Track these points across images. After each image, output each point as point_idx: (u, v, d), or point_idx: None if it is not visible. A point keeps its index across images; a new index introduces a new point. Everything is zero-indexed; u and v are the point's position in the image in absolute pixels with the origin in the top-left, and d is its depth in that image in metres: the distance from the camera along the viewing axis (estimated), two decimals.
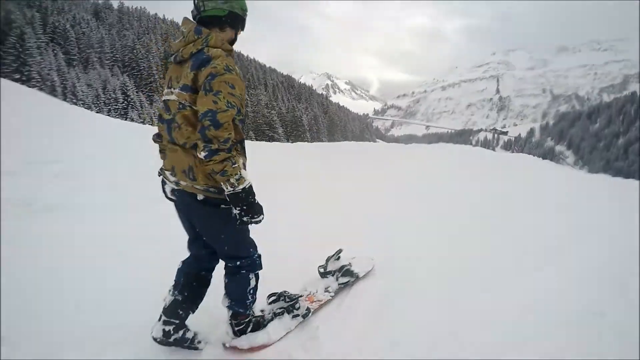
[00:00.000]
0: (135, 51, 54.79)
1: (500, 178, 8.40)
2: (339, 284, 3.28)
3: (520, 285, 3.54)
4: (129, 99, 47.01)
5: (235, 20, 2.32)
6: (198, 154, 2.07)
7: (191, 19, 2.29)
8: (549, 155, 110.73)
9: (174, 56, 2.27)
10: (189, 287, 2.53)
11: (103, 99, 45.65)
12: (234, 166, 2.09)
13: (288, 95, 72.57)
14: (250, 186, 2.20)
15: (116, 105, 46.43)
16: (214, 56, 2.10)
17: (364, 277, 3.52)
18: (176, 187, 2.28)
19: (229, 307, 2.59)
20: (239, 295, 2.55)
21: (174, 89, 2.22)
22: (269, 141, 39.83)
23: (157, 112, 2.47)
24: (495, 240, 4.65)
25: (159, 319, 2.51)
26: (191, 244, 2.60)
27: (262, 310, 2.85)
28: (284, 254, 3.71)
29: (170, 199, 2.41)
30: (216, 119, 2.00)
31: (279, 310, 2.83)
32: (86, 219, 5.09)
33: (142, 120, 43.00)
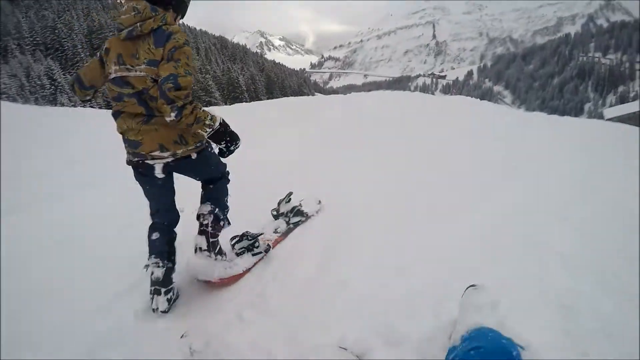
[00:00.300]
0: (57, 31, 49.57)
1: (438, 118, 8.44)
2: (292, 224, 3.62)
3: (464, 219, 3.53)
4: (56, 83, 43.12)
5: (180, 6, 2.48)
6: (167, 118, 2.20)
7: None
8: (488, 95, 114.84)
9: (126, 31, 2.27)
10: (174, 251, 2.74)
11: (28, 87, 41.73)
12: (202, 110, 2.31)
13: (222, 57, 69.58)
14: (223, 119, 2.47)
15: (43, 92, 42.46)
16: (174, 31, 2.27)
17: (312, 219, 3.80)
18: (172, 159, 2.45)
19: (211, 211, 2.75)
20: (219, 200, 2.86)
21: (136, 65, 2.28)
22: (206, 106, 38.67)
23: (109, 90, 2.42)
24: (436, 177, 4.68)
25: (159, 294, 2.59)
26: (167, 212, 2.75)
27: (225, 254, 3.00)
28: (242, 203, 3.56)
29: (149, 169, 2.50)
30: (177, 81, 2.13)
31: (240, 250, 3.05)
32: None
33: (73, 103, 39.77)
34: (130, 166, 2.58)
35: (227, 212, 2.95)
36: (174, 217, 2.81)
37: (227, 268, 2.86)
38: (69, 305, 2.78)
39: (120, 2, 2.45)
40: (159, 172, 2.49)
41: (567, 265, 2.70)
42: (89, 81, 2.49)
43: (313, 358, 2.06)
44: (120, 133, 2.48)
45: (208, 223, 2.73)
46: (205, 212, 2.75)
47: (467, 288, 2.10)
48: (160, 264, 2.60)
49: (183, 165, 2.52)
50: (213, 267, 2.80)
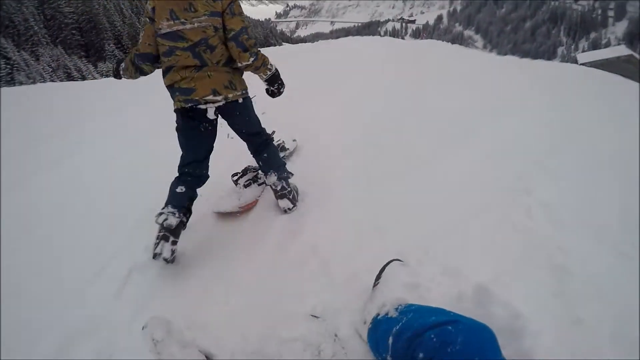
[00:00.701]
0: (4, 7, 45.39)
1: (411, 63, 8.18)
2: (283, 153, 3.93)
3: (440, 170, 3.37)
4: (11, 62, 39.70)
5: None
6: (241, 63, 2.60)
7: None
8: (458, 40, 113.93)
9: None
10: (190, 211, 2.80)
11: None
12: (265, 57, 2.67)
13: None
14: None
15: None
16: None
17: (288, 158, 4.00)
18: (224, 102, 2.65)
19: (279, 178, 2.98)
20: (279, 162, 3.06)
21: (192, 18, 2.47)
22: None
23: (160, 45, 2.58)
24: (409, 123, 4.53)
25: (167, 240, 2.55)
26: (200, 165, 2.83)
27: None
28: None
29: (201, 114, 2.68)
30: (248, 32, 2.57)
31: (247, 183, 3.34)
32: None
33: (32, 80, 36.95)
34: (179, 113, 2.72)
35: (285, 166, 3.13)
36: (204, 173, 2.91)
37: (240, 199, 3.18)
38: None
39: None
40: (211, 115, 2.68)
41: (554, 218, 2.51)
42: (153, 48, 2.67)
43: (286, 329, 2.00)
44: (169, 85, 2.64)
45: (282, 187, 2.98)
46: (275, 181, 2.98)
47: (391, 261, 2.07)
48: (177, 215, 2.61)
49: (230, 109, 2.73)
50: (227, 200, 3.16)
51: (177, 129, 2.78)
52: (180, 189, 2.70)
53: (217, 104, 2.65)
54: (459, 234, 2.45)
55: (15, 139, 5.81)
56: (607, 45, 75.79)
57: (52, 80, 34.16)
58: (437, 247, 2.31)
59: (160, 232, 2.58)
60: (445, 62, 8.36)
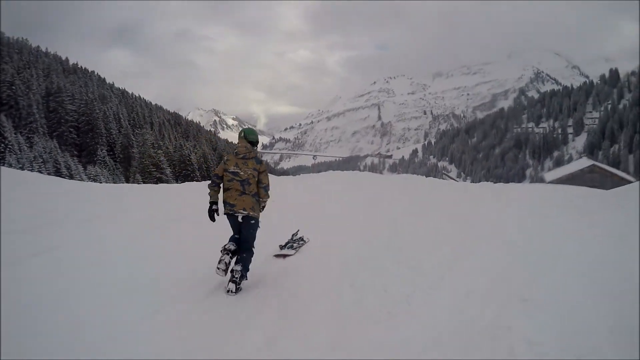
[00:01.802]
0: (14, 87, 47.08)
1: (386, 197, 8.60)
2: (298, 244, 5.78)
3: (417, 317, 3.30)
4: (6, 142, 39.85)
5: (256, 145, 4.70)
6: (262, 198, 4.61)
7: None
8: (433, 172, 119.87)
9: (241, 155, 4.49)
10: (235, 252, 4.45)
11: None
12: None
13: (175, 133, 69.02)
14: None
15: None
16: (261, 159, 4.67)
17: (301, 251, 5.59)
18: (245, 214, 4.40)
19: (240, 271, 4.32)
20: (246, 264, 4.46)
21: (245, 168, 4.46)
22: (156, 183, 36.64)
23: (225, 175, 4.53)
24: (388, 263, 4.59)
25: (227, 276, 4.33)
26: (236, 237, 4.58)
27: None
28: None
29: (235, 217, 4.46)
30: (268, 187, 4.65)
31: (288, 246, 5.66)
32: None
33: (20, 165, 36.95)
34: (227, 215, 4.50)
35: (247, 272, 4.52)
36: (238, 239, 4.59)
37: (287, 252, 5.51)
38: None
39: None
40: (239, 218, 4.45)
41: (539, 354, 2.52)
42: (220, 175, 4.56)
43: None
44: (224, 200, 4.47)
45: (237, 278, 4.31)
46: (238, 270, 4.33)
47: None
48: (229, 255, 4.35)
49: (246, 221, 4.47)
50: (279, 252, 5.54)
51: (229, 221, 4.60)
52: (230, 244, 4.45)
53: (243, 214, 4.41)
54: None
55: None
56: (570, 160, 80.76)
57: (40, 171, 33.84)
58: None
59: (222, 257, 4.28)
60: (421, 194, 8.77)
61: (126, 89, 76.64)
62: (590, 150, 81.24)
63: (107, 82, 76.09)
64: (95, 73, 76.77)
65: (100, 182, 33.99)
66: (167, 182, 41.72)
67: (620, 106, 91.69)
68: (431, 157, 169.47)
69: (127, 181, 44.39)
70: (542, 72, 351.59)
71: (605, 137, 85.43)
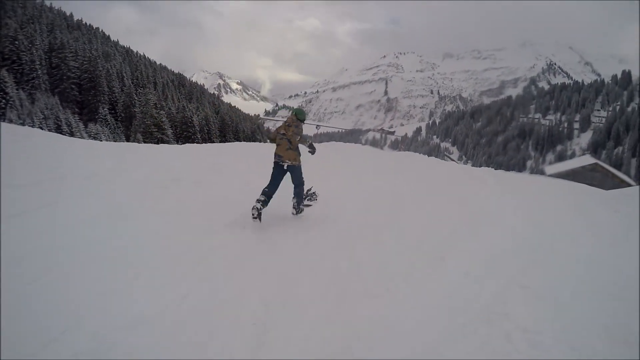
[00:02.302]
0: (17, 42, 46.27)
1: (391, 174, 8.51)
2: (312, 199, 6.59)
3: (416, 291, 3.30)
4: (7, 97, 39.49)
5: (302, 120, 5.97)
6: (304, 145, 6.19)
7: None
8: (435, 151, 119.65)
9: (287, 123, 5.80)
10: (268, 201, 5.42)
11: None
12: (312, 143, 6.40)
13: (178, 94, 68.15)
14: (313, 144, 6.44)
15: None
16: (300, 129, 5.89)
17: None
18: (289, 164, 5.53)
19: (297, 201, 5.80)
20: (301, 193, 5.82)
21: (288, 132, 5.67)
22: (157, 143, 36.94)
23: (277, 135, 5.77)
24: (388, 238, 4.57)
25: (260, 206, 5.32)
26: (274, 187, 5.58)
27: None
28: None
29: (281, 166, 5.57)
30: (306, 141, 6.20)
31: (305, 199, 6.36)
32: None
33: (21, 121, 36.70)
34: (274, 164, 5.60)
35: (302, 199, 5.93)
36: (275, 190, 5.56)
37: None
38: None
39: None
40: (285, 167, 5.53)
41: (535, 343, 2.50)
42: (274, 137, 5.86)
43: None
44: (276, 152, 5.60)
45: (297, 205, 5.80)
46: (295, 201, 5.79)
47: None
48: (265, 195, 5.40)
49: (292, 168, 5.57)
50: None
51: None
52: (261, 196, 5.36)
53: (287, 164, 5.53)
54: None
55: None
56: (572, 156, 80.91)
57: (41, 127, 33.80)
58: None
59: (256, 203, 5.26)
60: (423, 173, 8.76)
61: (131, 47, 74.86)
62: (594, 148, 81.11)
63: (112, 39, 74.19)
64: (100, 30, 74.85)
65: (101, 140, 33.89)
66: (167, 142, 41.55)
67: (629, 109, 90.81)
68: (434, 137, 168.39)
69: (128, 140, 43.99)
70: (555, 64, 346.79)
71: (611, 138, 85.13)
